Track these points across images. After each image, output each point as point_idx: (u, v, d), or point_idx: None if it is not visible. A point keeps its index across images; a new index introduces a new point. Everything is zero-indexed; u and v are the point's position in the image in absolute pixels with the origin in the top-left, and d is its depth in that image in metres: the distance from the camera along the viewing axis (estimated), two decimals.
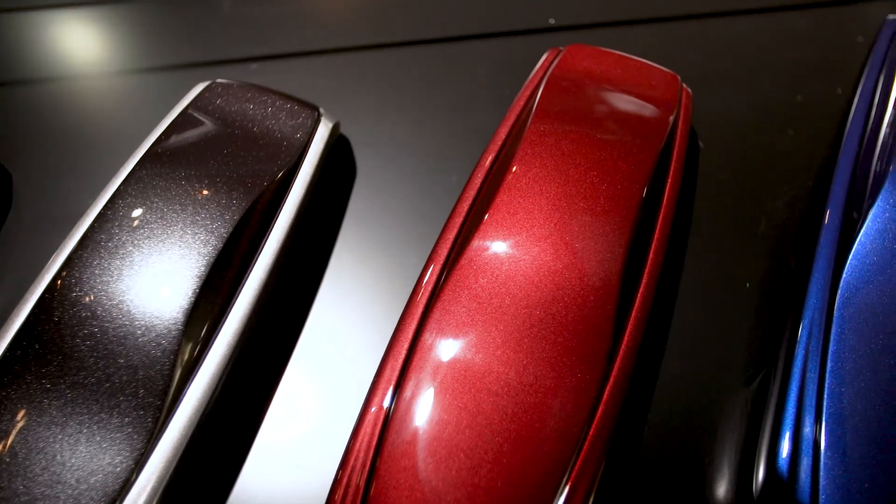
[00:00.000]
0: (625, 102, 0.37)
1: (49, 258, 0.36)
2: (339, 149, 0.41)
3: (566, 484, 0.27)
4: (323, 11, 0.50)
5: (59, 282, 0.31)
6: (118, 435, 0.28)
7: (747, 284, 0.36)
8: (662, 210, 0.35)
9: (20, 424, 0.28)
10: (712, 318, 0.36)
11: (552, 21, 0.47)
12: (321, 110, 0.38)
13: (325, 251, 0.38)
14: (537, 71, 0.40)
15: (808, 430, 0.29)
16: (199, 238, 0.32)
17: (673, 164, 0.36)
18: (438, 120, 0.42)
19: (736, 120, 0.42)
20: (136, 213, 0.33)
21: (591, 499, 0.27)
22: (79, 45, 0.48)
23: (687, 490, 0.31)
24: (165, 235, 0.32)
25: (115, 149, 0.42)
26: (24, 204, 0.41)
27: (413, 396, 0.28)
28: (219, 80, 0.39)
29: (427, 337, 0.30)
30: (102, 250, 0.32)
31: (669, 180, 0.35)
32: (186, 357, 0.30)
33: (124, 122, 0.43)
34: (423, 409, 0.28)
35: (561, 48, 0.41)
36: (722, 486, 0.31)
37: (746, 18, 0.47)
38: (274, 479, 0.31)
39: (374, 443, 0.28)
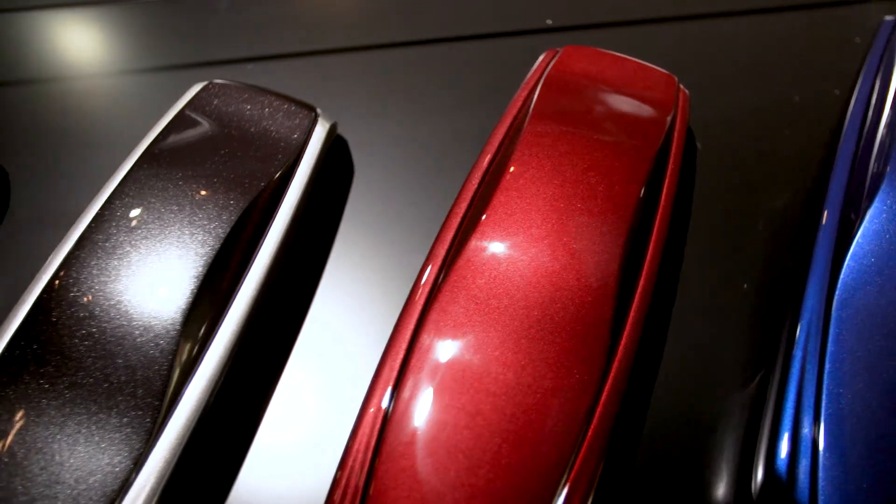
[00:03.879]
0: (622, 103, 0.37)
1: (46, 258, 0.36)
2: (336, 149, 0.41)
3: (565, 484, 0.27)
4: (319, 12, 0.50)
5: (56, 282, 0.31)
6: (117, 435, 0.28)
7: (745, 285, 0.37)
8: (660, 210, 0.35)
9: (18, 425, 0.28)
10: (710, 319, 0.36)
11: (549, 22, 0.47)
12: (318, 111, 0.38)
13: (323, 252, 0.38)
14: (534, 72, 0.40)
15: (806, 430, 0.29)
16: (196, 238, 0.32)
17: (670, 164, 0.36)
18: (435, 120, 0.42)
19: (733, 120, 0.42)
20: (134, 213, 0.33)
21: (590, 499, 0.27)
22: (75, 45, 0.48)
23: (686, 490, 0.31)
24: (163, 236, 0.32)
25: (111, 149, 0.41)
26: (21, 203, 0.40)
27: (411, 397, 0.28)
28: (216, 81, 0.39)
29: (425, 337, 0.30)
30: (100, 250, 0.31)
31: (667, 181, 0.35)
32: (185, 357, 0.30)
33: (121, 122, 0.43)
34: (422, 409, 0.28)
35: (558, 49, 0.41)
36: (721, 487, 0.31)
37: (743, 19, 0.47)
38: (272, 480, 0.31)
39: (372, 443, 0.28)
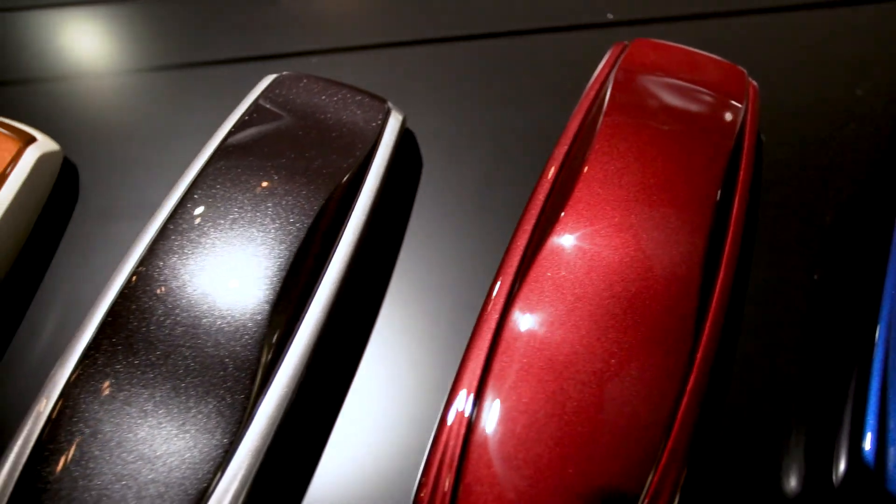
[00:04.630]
0: (695, 96, 0.37)
1: (119, 249, 0.36)
2: (405, 142, 0.41)
3: (654, 474, 0.27)
4: (383, 5, 0.50)
5: (141, 271, 0.31)
6: (208, 423, 0.28)
7: (815, 276, 0.37)
8: (736, 203, 0.35)
9: (108, 414, 0.28)
10: (779, 311, 0.36)
11: (610, 16, 0.47)
12: (390, 103, 0.39)
13: (395, 244, 0.38)
14: (604, 65, 0.40)
15: (892, 421, 0.29)
16: (280, 229, 0.32)
17: (744, 157, 0.36)
18: (501, 114, 0.42)
19: (797, 113, 0.42)
20: (216, 203, 0.33)
21: (678, 490, 0.28)
22: (140, 39, 0.49)
23: (764, 477, 0.31)
24: (246, 226, 0.32)
25: (177, 141, 0.42)
26: (90, 197, 0.41)
27: (500, 388, 0.28)
28: (287, 73, 0.39)
29: (511, 327, 0.30)
30: (184, 240, 0.32)
31: (741, 174, 0.36)
32: (272, 347, 0.30)
33: (187, 114, 0.44)
34: (510, 401, 0.28)
35: (626, 42, 0.41)
36: (800, 475, 0.31)
37: (807, 13, 0.47)
38: (355, 472, 0.32)
39: (462, 434, 0.28)
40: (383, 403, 0.33)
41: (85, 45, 0.49)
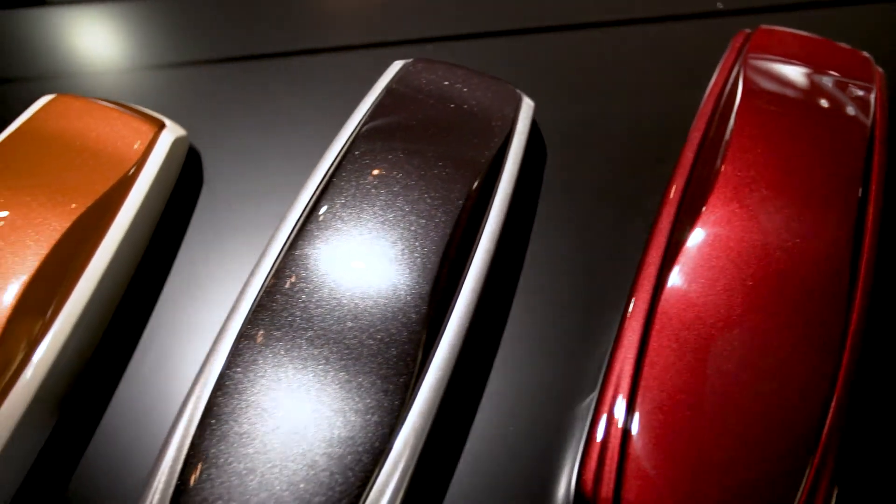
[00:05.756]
0: (827, 83, 0.37)
1: (246, 234, 0.37)
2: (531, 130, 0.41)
3: (812, 461, 0.28)
4: None
5: (292, 254, 0.31)
6: (371, 402, 0.28)
7: None
8: (873, 187, 0.35)
9: (272, 393, 0.28)
10: None
11: (720, 5, 0.47)
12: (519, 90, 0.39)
13: (527, 231, 0.38)
14: (729, 53, 0.40)
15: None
16: (428, 215, 0.32)
17: (877, 141, 0.36)
18: (624, 102, 0.43)
19: None
20: (362, 188, 0.33)
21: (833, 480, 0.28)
22: (257, 25, 0.49)
23: None
24: (394, 210, 0.32)
25: (298, 127, 0.42)
26: (215, 182, 0.41)
27: (656, 375, 0.29)
28: (417, 59, 0.39)
29: (664, 312, 0.30)
30: (332, 224, 0.32)
31: (876, 158, 0.36)
32: (430, 327, 0.30)
33: (303, 99, 0.44)
34: (668, 387, 0.28)
35: (748, 30, 0.41)
36: None
37: None
38: (507, 454, 0.32)
39: (621, 420, 0.28)
40: (526, 386, 0.33)
41: (203, 31, 0.49)
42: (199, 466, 0.26)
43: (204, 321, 0.35)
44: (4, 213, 0.33)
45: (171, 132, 0.39)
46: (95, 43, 0.50)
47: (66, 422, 0.32)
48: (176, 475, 0.26)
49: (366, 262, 0.31)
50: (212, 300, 0.36)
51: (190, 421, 0.28)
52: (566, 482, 0.31)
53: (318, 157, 0.36)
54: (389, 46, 0.46)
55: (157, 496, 0.26)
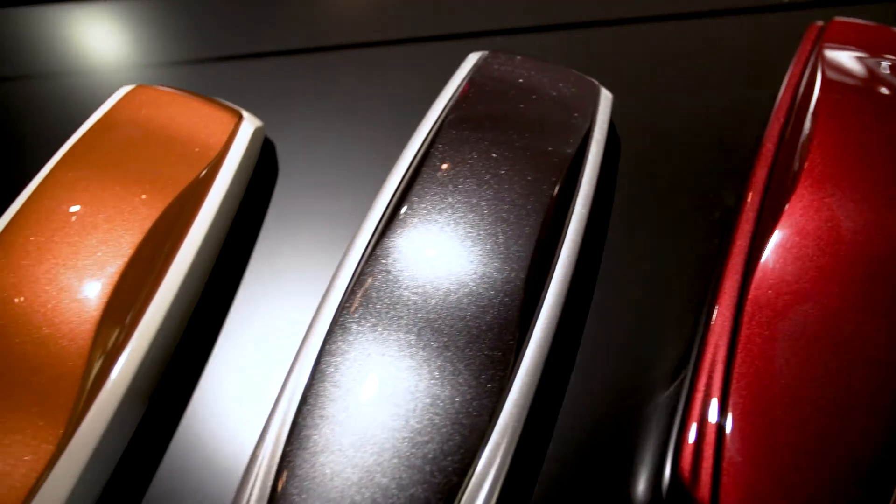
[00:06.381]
0: None
1: (324, 222, 0.37)
2: None
3: None
4: None
5: (385, 241, 0.32)
6: (473, 383, 0.28)
7: None
8: None
9: (376, 377, 0.28)
10: None
11: None
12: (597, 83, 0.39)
13: (606, 218, 0.38)
14: (804, 45, 0.40)
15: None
16: (520, 204, 0.33)
17: None
18: (696, 94, 0.43)
19: None
20: (451, 177, 0.33)
21: None
22: (327, 18, 0.49)
23: None
24: (484, 198, 0.33)
25: (374, 117, 0.43)
26: (290, 172, 0.41)
27: (752, 360, 0.29)
28: (494, 51, 0.40)
29: (756, 295, 0.30)
30: (423, 211, 0.32)
31: None
32: (525, 312, 0.30)
33: (374, 90, 0.44)
34: (764, 371, 0.29)
35: (821, 23, 0.41)
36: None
37: None
38: (596, 431, 0.32)
39: (717, 405, 0.29)
40: (612, 374, 0.34)
41: (270, 22, 0.49)
42: (300, 450, 0.27)
43: (284, 311, 0.36)
44: (96, 205, 0.33)
45: (250, 123, 0.39)
46: (163, 35, 0.50)
47: (153, 414, 0.33)
48: (277, 457, 0.27)
49: (459, 250, 0.31)
50: (292, 290, 0.37)
51: (288, 406, 0.28)
52: (656, 470, 0.31)
53: (394, 147, 0.36)
54: (458, 39, 0.46)
55: (260, 472, 0.27)
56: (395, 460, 0.26)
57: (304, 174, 0.41)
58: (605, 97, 0.39)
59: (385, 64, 0.46)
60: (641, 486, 0.31)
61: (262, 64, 0.47)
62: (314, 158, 0.41)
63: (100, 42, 0.50)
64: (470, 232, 0.32)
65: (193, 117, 0.38)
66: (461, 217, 0.32)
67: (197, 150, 0.37)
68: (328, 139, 0.42)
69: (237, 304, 0.37)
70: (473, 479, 0.27)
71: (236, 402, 0.33)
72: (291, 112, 0.43)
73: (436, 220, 0.32)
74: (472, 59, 0.40)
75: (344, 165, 0.41)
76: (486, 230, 0.32)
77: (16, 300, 0.31)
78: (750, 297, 0.31)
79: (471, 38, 0.46)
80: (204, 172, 0.36)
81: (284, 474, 0.26)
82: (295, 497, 0.26)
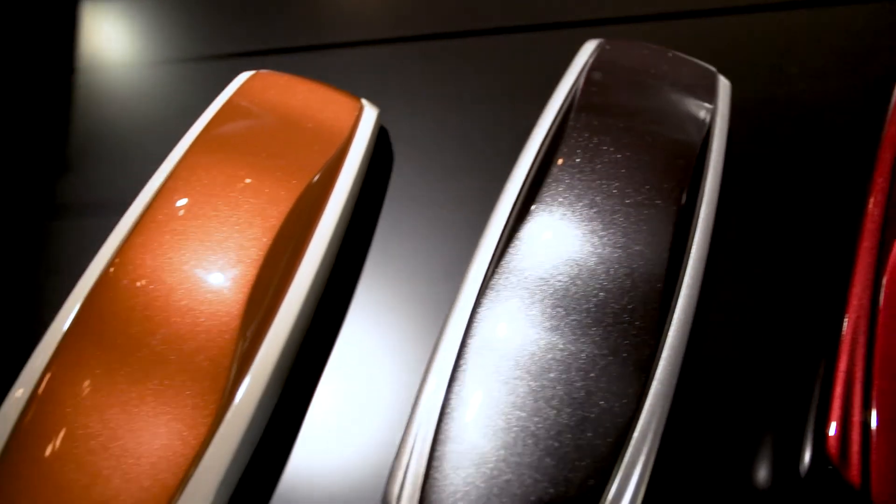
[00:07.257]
0: None
1: (441, 207, 0.38)
2: None
3: None
4: None
5: (522, 227, 0.32)
6: (621, 371, 0.29)
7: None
8: None
9: (518, 363, 0.29)
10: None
11: None
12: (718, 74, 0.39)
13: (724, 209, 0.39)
14: None
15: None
16: (657, 189, 0.33)
17: None
18: (796, 82, 0.43)
19: None
20: (585, 165, 0.34)
21: None
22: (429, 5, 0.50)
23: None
24: (620, 187, 0.33)
25: (489, 104, 0.43)
26: (405, 159, 0.42)
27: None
28: (610, 39, 0.40)
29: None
30: (561, 197, 0.33)
31: None
32: (663, 300, 0.31)
33: (488, 78, 0.45)
34: None
35: None
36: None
37: None
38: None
39: (861, 374, 0.29)
40: (744, 358, 0.35)
41: (382, 9, 0.50)
42: (452, 428, 0.28)
43: (407, 299, 0.37)
44: (234, 191, 0.34)
45: (371, 108, 0.40)
46: (256, 22, 0.51)
47: (285, 401, 0.33)
48: (429, 441, 0.28)
49: (600, 237, 0.32)
50: (415, 276, 0.37)
51: (436, 389, 0.29)
52: (794, 451, 0.31)
53: (513, 134, 0.37)
54: (571, 27, 0.47)
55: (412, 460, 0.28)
56: (550, 441, 0.27)
57: (420, 160, 0.42)
58: (724, 85, 0.39)
59: (497, 52, 0.46)
60: (777, 466, 0.31)
61: (371, 52, 0.47)
62: (429, 145, 0.42)
63: (204, 31, 0.51)
64: (609, 219, 0.32)
65: (317, 103, 0.39)
66: (599, 202, 0.33)
67: (325, 136, 0.37)
68: (442, 126, 0.43)
69: (361, 288, 0.37)
70: (624, 464, 0.28)
71: (364, 382, 0.34)
72: (404, 99, 0.44)
73: (575, 204, 0.33)
74: (590, 46, 0.40)
75: (459, 152, 0.41)
76: (624, 218, 0.32)
77: (160, 285, 0.31)
78: (888, 277, 0.31)
79: (577, 28, 0.47)
80: (333, 158, 0.37)
81: (439, 451, 0.27)
82: (450, 471, 0.27)
